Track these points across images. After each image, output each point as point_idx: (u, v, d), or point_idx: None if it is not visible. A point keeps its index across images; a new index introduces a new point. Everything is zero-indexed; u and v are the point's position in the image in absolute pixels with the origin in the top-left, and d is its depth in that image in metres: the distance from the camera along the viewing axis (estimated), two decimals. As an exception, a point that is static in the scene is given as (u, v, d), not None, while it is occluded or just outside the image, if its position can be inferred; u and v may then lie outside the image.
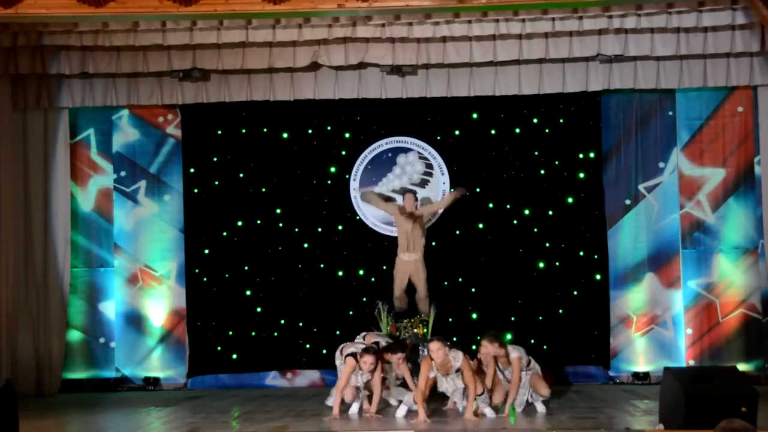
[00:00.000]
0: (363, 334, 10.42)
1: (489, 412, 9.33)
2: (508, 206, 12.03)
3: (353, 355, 9.51)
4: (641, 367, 11.80)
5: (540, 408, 9.60)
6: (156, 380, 12.07)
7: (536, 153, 12.04)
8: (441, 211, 11.73)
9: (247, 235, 12.19)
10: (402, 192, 11.73)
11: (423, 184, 12.16)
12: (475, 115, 12.13)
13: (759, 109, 11.51)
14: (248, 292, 12.13)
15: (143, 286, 12.25)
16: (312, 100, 11.92)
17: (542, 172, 12.02)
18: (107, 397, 11.53)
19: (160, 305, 12.23)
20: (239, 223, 12.20)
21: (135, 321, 12.20)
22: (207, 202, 12.21)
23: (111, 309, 12.24)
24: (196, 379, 12.12)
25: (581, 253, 11.91)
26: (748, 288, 11.74)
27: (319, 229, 12.19)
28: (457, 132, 12.16)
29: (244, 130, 12.26)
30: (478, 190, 12.06)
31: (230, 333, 12.10)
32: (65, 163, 12.02)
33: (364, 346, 9.71)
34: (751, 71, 11.25)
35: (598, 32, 10.97)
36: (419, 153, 12.17)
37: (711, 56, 11.24)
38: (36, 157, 11.96)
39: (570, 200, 12.01)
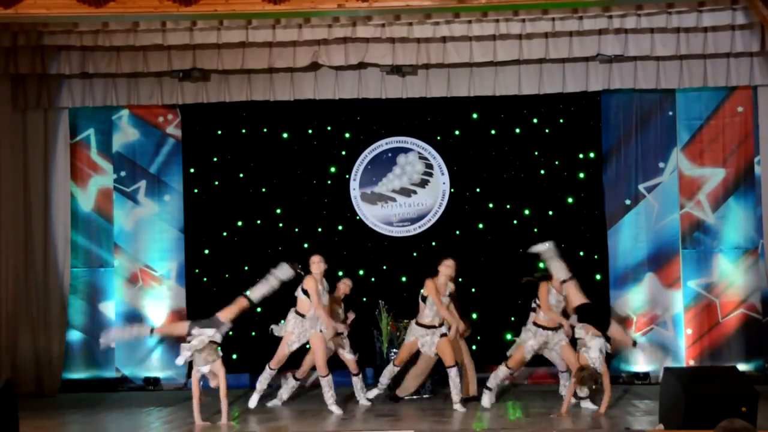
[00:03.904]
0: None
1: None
2: (508, 206, 12.05)
3: None
4: (641, 367, 11.80)
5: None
6: (156, 380, 12.07)
7: (536, 153, 12.05)
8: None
9: (247, 235, 12.20)
10: None
11: (423, 184, 12.17)
12: (475, 115, 12.14)
13: (759, 109, 11.52)
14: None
15: (143, 286, 12.25)
16: (312, 100, 11.92)
17: (542, 172, 12.03)
18: (107, 397, 11.54)
19: (160, 305, 12.23)
20: (239, 223, 12.20)
21: (135, 321, 12.18)
22: (207, 202, 12.21)
23: (111, 309, 12.24)
24: (196, 379, 12.11)
25: (581, 253, 11.90)
26: (748, 288, 11.74)
27: (319, 229, 12.19)
28: (457, 132, 12.17)
29: (244, 130, 12.27)
30: (478, 190, 12.08)
31: (230, 333, 12.03)
32: (65, 163, 12.02)
33: None
34: (751, 71, 11.26)
35: (598, 32, 10.97)
36: (419, 153, 12.18)
37: (711, 56, 11.24)
38: (36, 157, 11.96)
39: (570, 200, 12.02)
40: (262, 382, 10.19)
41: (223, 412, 9.15)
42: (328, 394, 9.78)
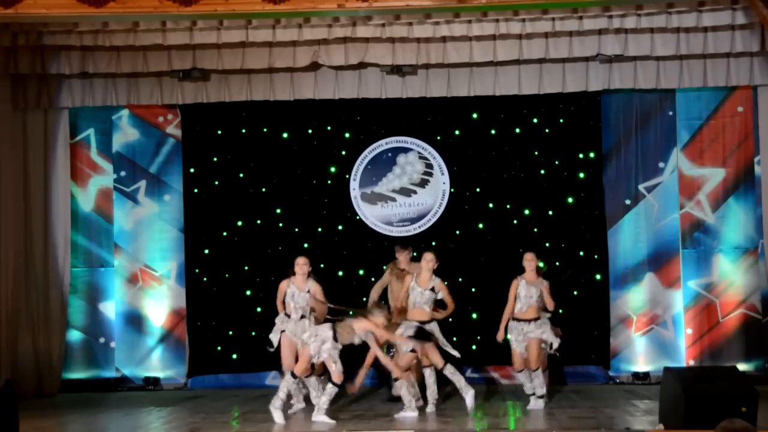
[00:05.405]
0: None
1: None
2: (508, 206, 12.04)
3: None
4: (641, 367, 11.80)
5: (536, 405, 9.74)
6: (156, 380, 12.07)
7: (536, 153, 12.05)
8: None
9: (247, 235, 12.20)
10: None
11: (423, 184, 12.17)
12: (475, 115, 12.14)
13: (759, 109, 11.52)
14: (248, 292, 12.13)
15: (143, 286, 12.25)
16: (312, 100, 11.92)
17: (542, 172, 12.03)
18: (107, 397, 11.54)
19: (160, 305, 12.23)
20: (239, 223, 12.20)
21: (135, 321, 12.21)
22: (207, 202, 12.21)
23: (111, 309, 12.24)
24: (196, 379, 12.13)
25: (581, 253, 11.91)
26: (748, 288, 11.74)
27: (319, 229, 12.19)
28: (457, 132, 12.17)
29: (244, 130, 12.27)
30: (478, 190, 12.08)
31: (230, 333, 12.11)
32: (65, 163, 12.02)
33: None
34: (751, 71, 11.26)
35: (598, 32, 10.97)
36: (419, 153, 12.18)
37: (711, 56, 11.24)
38: (36, 157, 11.96)
39: (570, 200, 12.02)
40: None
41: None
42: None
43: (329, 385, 9.11)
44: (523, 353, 9.85)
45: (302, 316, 9.87)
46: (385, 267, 11.01)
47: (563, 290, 11.76)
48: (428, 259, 9.91)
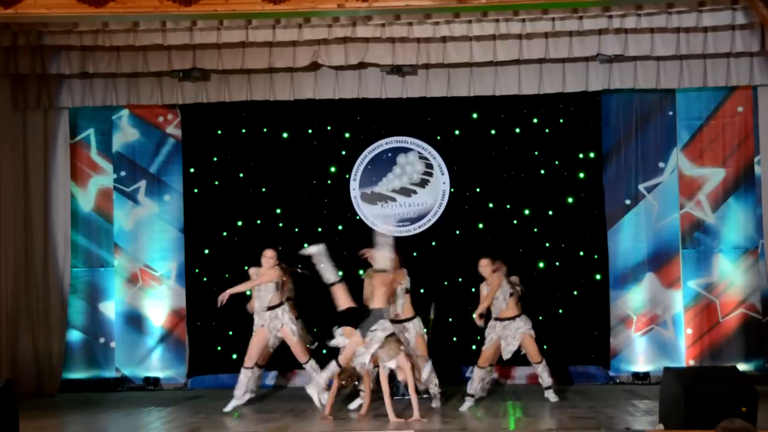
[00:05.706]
0: None
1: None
2: (508, 206, 12.04)
3: None
4: (641, 367, 11.80)
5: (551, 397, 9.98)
6: (156, 380, 12.08)
7: (536, 153, 12.05)
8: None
9: (247, 235, 12.19)
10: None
11: (423, 184, 12.18)
12: (475, 115, 12.14)
13: (759, 109, 11.52)
14: (248, 292, 12.09)
15: (143, 286, 12.26)
16: (312, 100, 11.92)
17: (542, 172, 12.03)
18: (107, 397, 11.55)
19: (160, 305, 12.23)
20: (239, 223, 12.21)
21: (135, 321, 12.21)
22: (207, 202, 12.22)
23: (111, 309, 12.25)
24: (196, 379, 12.14)
25: (581, 253, 11.91)
26: (748, 288, 11.74)
27: (319, 229, 12.18)
28: (457, 132, 12.17)
29: (244, 130, 12.27)
30: (478, 190, 12.08)
31: (230, 333, 12.10)
32: (65, 163, 12.02)
33: None
34: (751, 71, 11.26)
35: (598, 32, 10.97)
36: (419, 153, 12.18)
37: (711, 56, 11.25)
38: (36, 157, 11.96)
39: (570, 200, 12.02)
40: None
41: (414, 408, 9.12)
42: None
43: (332, 363, 9.24)
44: (488, 349, 10.16)
45: (270, 307, 10.20)
46: (361, 273, 10.93)
47: (563, 290, 11.83)
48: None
